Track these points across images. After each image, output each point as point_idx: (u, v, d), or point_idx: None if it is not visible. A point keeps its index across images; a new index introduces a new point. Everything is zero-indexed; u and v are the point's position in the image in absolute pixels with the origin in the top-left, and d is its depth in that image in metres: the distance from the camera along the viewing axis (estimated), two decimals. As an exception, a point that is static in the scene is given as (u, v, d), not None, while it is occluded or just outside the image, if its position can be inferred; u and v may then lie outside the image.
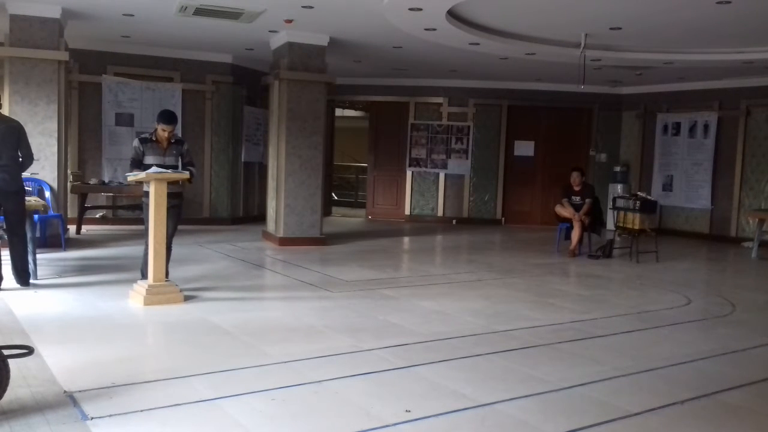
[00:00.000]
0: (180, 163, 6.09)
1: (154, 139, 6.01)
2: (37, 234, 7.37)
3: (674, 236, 12.08)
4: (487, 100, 13.37)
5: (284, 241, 9.40)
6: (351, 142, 18.69)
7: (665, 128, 12.78)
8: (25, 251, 6.06)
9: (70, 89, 10.09)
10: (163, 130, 5.95)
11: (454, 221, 13.47)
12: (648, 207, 9.21)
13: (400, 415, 3.35)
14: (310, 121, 9.48)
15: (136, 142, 6.03)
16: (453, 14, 7.89)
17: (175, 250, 7.01)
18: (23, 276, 6.02)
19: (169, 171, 5.71)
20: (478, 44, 9.13)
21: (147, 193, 5.95)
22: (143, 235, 6.14)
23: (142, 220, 6.18)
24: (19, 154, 5.98)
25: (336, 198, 16.71)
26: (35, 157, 6.32)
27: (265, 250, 9.16)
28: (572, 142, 13.66)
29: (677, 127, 12.56)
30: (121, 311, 5.38)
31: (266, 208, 10.37)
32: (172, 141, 6.07)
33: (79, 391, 3.48)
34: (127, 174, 5.93)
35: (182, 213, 6.42)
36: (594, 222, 9.64)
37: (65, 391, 3.47)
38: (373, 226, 12.71)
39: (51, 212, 7.87)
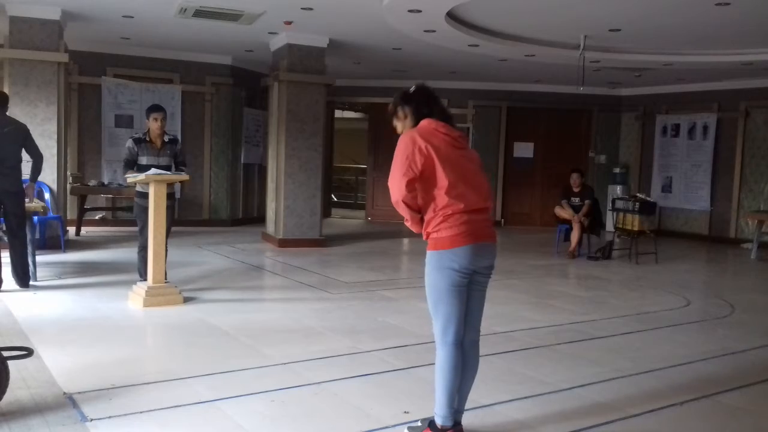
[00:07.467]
0: (173, 163, 6.10)
1: (147, 139, 6.00)
2: (37, 236, 7.37)
3: (673, 237, 12.08)
4: (486, 101, 13.37)
5: (284, 243, 9.41)
6: (350, 143, 18.69)
7: (664, 130, 12.79)
8: (25, 253, 6.06)
9: (70, 91, 10.09)
10: (155, 119, 5.94)
11: (453, 223, 13.44)
12: (647, 208, 9.21)
13: (399, 416, 3.35)
14: (310, 123, 9.48)
15: (129, 143, 6.01)
16: (452, 16, 7.89)
17: (175, 251, 7.02)
18: (23, 278, 6.02)
19: (168, 173, 5.72)
20: (477, 46, 9.14)
21: (140, 194, 5.96)
22: (137, 236, 6.16)
23: (141, 222, 6.17)
24: (28, 156, 6.07)
25: (335, 199, 16.70)
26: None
27: (265, 251, 9.16)
28: (571, 144, 13.67)
29: (676, 128, 12.57)
30: (120, 313, 5.39)
31: (266, 209, 10.38)
32: (166, 140, 6.07)
33: (79, 393, 3.48)
34: (126, 175, 5.94)
35: (176, 213, 6.42)
36: (593, 223, 9.63)
37: (64, 393, 3.48)
38: (372, 228, 12.71)
39: (50, 214, 7.88)
